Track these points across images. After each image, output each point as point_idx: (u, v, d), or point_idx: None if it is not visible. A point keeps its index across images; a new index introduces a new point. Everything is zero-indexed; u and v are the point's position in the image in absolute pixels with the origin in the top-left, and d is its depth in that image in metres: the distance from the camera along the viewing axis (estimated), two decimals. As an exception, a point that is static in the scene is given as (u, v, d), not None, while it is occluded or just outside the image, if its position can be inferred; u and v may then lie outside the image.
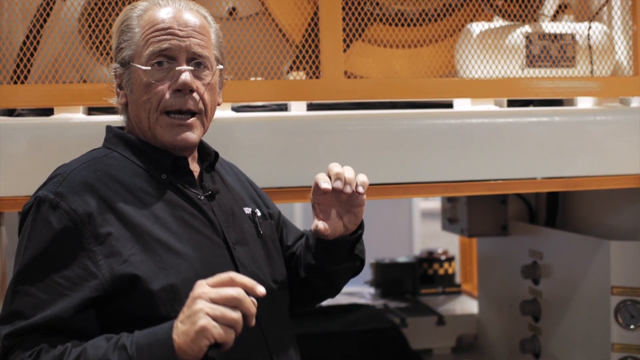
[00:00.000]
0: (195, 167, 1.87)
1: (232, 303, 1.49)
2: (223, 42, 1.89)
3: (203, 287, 1.51)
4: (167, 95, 1.75)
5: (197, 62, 1.77)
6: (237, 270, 1.76)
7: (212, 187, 1.86)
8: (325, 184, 1.78)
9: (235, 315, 1.48)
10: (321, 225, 1.82)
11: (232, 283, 1.51)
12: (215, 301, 1.49)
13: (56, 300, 1.60)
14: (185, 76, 1.74)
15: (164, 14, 1.76)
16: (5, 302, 1.65)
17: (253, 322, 1.52)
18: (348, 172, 1.80)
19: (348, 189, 1.78)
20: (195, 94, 1.76)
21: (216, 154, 1.93)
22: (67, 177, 1.71)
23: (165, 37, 1.74)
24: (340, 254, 1.92)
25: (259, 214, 1.95)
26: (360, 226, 1.92)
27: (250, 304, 1.50)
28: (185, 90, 1.75)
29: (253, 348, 1.76)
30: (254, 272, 1.81)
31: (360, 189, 1.79)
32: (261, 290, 1.51)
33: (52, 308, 1.59)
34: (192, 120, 1.78)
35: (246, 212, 1.93)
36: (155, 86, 1.75)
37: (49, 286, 1.61)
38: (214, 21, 1.86)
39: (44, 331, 1.60)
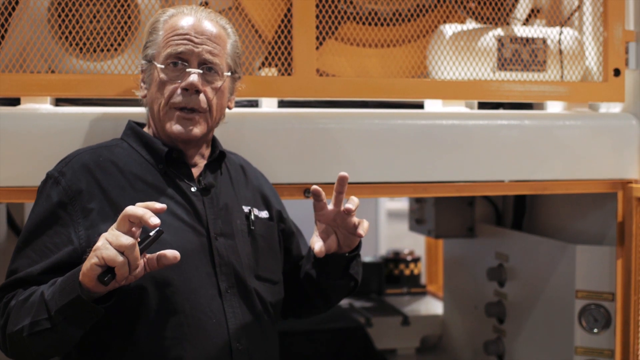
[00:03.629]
0: (200, 162, 2.04)
1: (123, 219, 1.63)
2: (241, 54, 2.08)
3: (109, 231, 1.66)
4: (177, 93, 1.94)
5: (208, 67, 1.96)
6: (213, 259, 1.93)
7: (207, 182, 2.01)
8: (316, 187, 1.93)
9: (126, 240, 1.61)
10: (317, 247, 1.95)
11: (125, 217, 1.63)
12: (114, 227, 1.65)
13: (43, 261, 1.82)
14: (193, 77, 1.93)
15: (185, 21, 1.96)
16: (10, 261, 1.88)
17: (152, 221, 1.61)
18: (354, 198, 1.95)
19: (350, 206, 1.90)
20: (202, 95, 1.95)
21: (222, 153, 2.08)
22: (73, 159, 1.94)
23: (181, 41, 1.94)
24: (336, 270, 2.08)
25: (259, 215, 2.10)
26: (357, 248, 2.07)
27: (137, 209, 1.62)
28: (191, 90, 1.93)
29: (211, 329, 1.89)
30: (230, 262, 1.95)
31: (361, 232, 1.95)
32: (154, 221, 1.61)
33: (35, 267, 1.81)
34: (196, 116, 1.95)
35: (244, 210, 2.07)
36: (168, 83, 1.95)
37: (40, 249, 1.84)
38: (234, 33, 2.05)
39: (23, 284, 1.81)
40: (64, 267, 1.78)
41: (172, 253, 1.68)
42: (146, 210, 1.62)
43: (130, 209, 1.62)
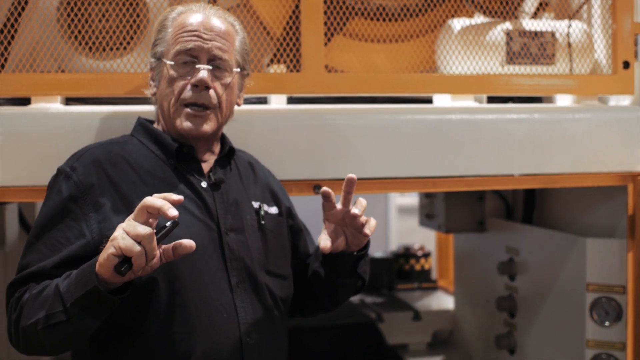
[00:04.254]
0: (210, 158, 2.05)
1: (142, 209, 1.63)
2: (249, 50, 2.10)
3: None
4: (187, 89, 1.95)
5: (217, 63, 1.97)
6: (224, 253, 1.94)
7: (218, 177, 2.02)
8: (326, 188, 1.93)
9: (143, 230, 1.61)
10: (322, 243, 1.95)
11: (143, 208, 1.63)
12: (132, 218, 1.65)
13: (54, 255, 1.83)
14: (203, 74, 1.94)
15: (194, 18, 1.98)
16: (21, 256, 1.89)
17: (170, 212, 1.62)
18: (361, 200, 1.94)
19: (356, 211, 1.90)
20: (211, 91, 1.96)
21: (231, 149, 2.10)
22: (84, 154, 1.96)
23: (191, 38, 1.96)
24: (344, 268, 2.08)
25: (269, 210, 2.11)
26: (365, 247, 2.06)
27: (156, 199, 1.63)
28: (201, 86, 1.95)
29: (222, 324, 1.89)
30: (241, 257, 1.97)
31: (367, 231, 1.94)
32: (173, 212, 1.63)
33: (48, 261, 1.82)
34: (206, 112, 1.97)
35: (254, 205, 2.08)
36: (177, 80, 1.96)
37: (52, 243, 1.85)
38: (242, 30, 2.07)
39: (36, 278, 1.82)
40: (76, 260, 1.79)
41: (188, 242, 1.68)
42: (165, 202, 1.63)
43: (149, 200, 1.63)
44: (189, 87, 1.95)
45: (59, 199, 1.89)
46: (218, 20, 2.00)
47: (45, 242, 1.86)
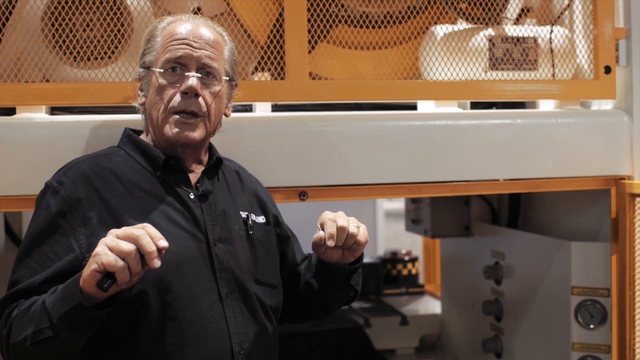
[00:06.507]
0: (197, 169, 2.05)
1: (130, 239, 1.62)
2: (237, 62, 2.10)
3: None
4: (176, 97, 1.95)
5: (206, 71, 1.97)
6: (213, 264, 1.93)
7: (205, 188, 2.01)
8: (318, 237, 1.93)
9: (127, 246, 1.61)
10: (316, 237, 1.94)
11: (132, 239, 1.62)
12: (117, 236, 1.65)
13: (44, 271, 1.82)
14: (192, 81, 1.94)
15: (183, 27, 1.99)
16: (11, 272, 1.88)
17: (154, 264, 1.62)
18: (341, 221, 1.92)
19: (331, 243, 1.91)
20: (200, 99, 1.96)
21: (219, 160, 2.09)
22: (71, 169, 1.94)
23: (180, 46, 1.96)
24: (337, 279, 2.10)
25: (257, 220, 2.10)
26: (359, 260, 2.09)
27: (149, 242, 1.62)
28: (190, 93, 1.94)
29: (213, 334, 1.89)
30: (230, 268, 1.96)
31: (361, 239, 1.95)
32: (163, 244, 1.64)
33: (37, 277, 1.82)
34: (195, 120, 1.96)
35: (242, 215, 2.07)
36: (167, 88, 1.96)
37: (41, 259, 1.85)
38: (230, 40, 2.08)
39: (25, 295, 1.81)
40: (65, 275, 1.78)
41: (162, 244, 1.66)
42: (155, 251, 1.62)
43: (142, 239, 1.62)
44: (178, 95, 1.94)
45: (47, 214, 1.88)
46: (207, 30, 2.00)
47: (35, 258, 1.85)
